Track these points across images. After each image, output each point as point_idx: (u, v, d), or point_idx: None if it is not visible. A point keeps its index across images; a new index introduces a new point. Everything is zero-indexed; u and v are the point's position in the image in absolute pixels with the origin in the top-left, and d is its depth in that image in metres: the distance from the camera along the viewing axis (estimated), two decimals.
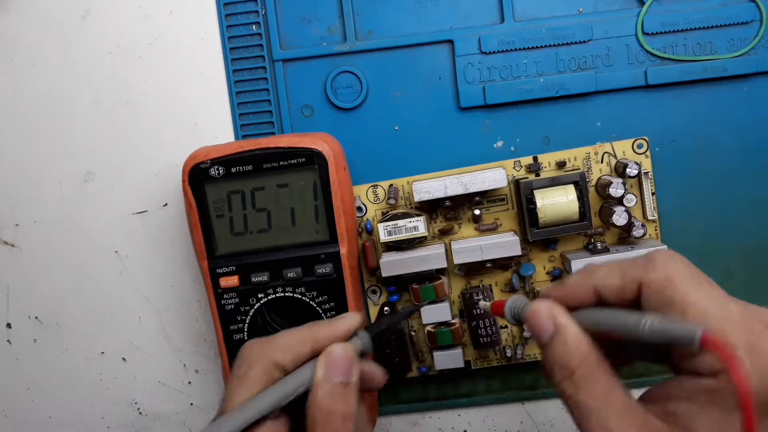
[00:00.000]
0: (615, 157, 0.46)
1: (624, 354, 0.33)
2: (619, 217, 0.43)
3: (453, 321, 0.45)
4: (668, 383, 0.30)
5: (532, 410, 0.49)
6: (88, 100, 0.49)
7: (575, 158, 0.46)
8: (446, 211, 0.47)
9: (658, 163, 0.46)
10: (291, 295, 0.44)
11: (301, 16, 0.47)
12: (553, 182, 0.44)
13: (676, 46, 0.46)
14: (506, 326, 0.47)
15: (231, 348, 0.44)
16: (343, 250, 0.43)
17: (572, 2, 0.46)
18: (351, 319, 0.35)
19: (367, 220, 0.47)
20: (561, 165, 0.46)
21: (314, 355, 0.33)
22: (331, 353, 0.33)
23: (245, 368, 0.33)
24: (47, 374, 0.51)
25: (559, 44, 0.46)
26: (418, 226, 0.44)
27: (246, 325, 0.44)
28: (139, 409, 0.51)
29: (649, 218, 0.45)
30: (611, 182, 0.43)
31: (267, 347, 0.33)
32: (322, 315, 0.44)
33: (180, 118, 0.48)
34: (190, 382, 0.50)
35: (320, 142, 0.42)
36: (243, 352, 0.33)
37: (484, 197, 0.46)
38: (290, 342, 0.33)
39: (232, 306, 0.44)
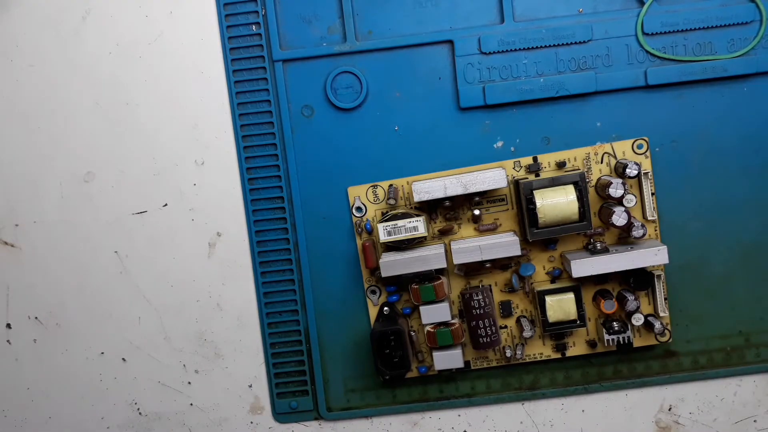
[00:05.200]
0: (615, 157, 0.46)
1: None
2: (619, 218, 0.43)
3: (452, 321, 0.45)
4: None
5: (532, 410, 0.49)
6: (88, 100, 0.49)
7: (575, 158, 0.46)
8: (446, 212, 0.47)
9: (658, 163, 0.46)
10: None
11: (301, 16, 0.47)
12: (553, 182, 0.44)
13: (676, 47, 0.46)
14: (506, 326, 0.47)
15: None
16: None
17: (572, 2, 0.46)
18: None
19: (367, 220, 0.47)
20: (561, 165, 0.46)
21: None
22: None
23: None
24: (47, 374, 0.51)
25: (559, 44, 0.46)
26: (418, 226, 0.44)
27: None
28: (138, 409, 0.51)
29: (649, 218, 0.45)
30: (611, 182, 0.43)
31: None
32: None
33: (180, 118, 0.48)
34: (190, 383, 0.50)
35: None
36: None
37: (484, 197, 0.46)
38: None
39: None
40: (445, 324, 0.45)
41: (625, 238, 0.46)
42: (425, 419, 0.50)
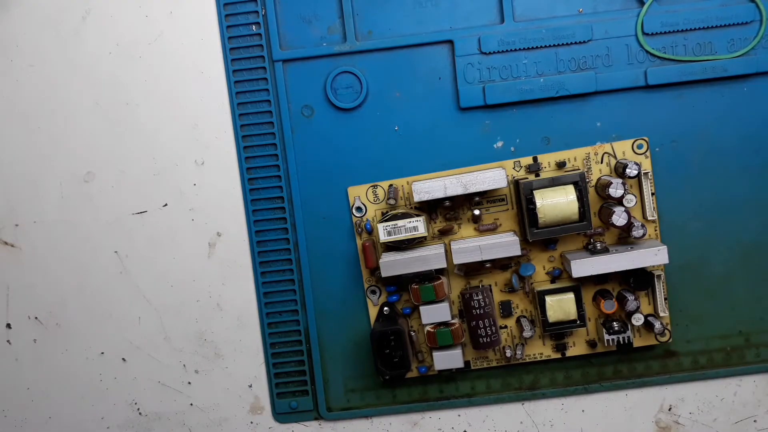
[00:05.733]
0: (615, 157, 0.46)
1: None
2: (619, 218, 0.43)
3: (452, 321, 0.45)
4: None
5: (532, 410, 0.49)
6: (88, 100, 0.49)
7: (575, 158, 0.46)
8: (446, 212, 0.47)
9: (658, 164, 0.46)
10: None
11: (301, 16, 0.47)
12: (553, 182, 0.44)
13: (676, 47, 0.46)
14: (506, 326, 0.47)
15: None
16: None
17: (572, 2, 0.46)
18: None
19: (367, 220, 0.47)
20: (561, 165, 0.46)
21: None
22: None
23: None
24: (47, 374, 0.51)
25: (559, 44, 0.46)
26: (418, 226, 0.44)
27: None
28: (138, 409, 0.51)
29: (649, 218, 0.45)
30: (611, 182, 0.43)
31: None
32: None
33: (180, 118, 0.48)
34: (189, 383, 0.50)
35: None
36: None
37: (484, 197, 0.46)
38: None
39: None
40: (445, 324, 0.45)
41: (625, 238, 0.46)
42: (425, 419, 0.50)
